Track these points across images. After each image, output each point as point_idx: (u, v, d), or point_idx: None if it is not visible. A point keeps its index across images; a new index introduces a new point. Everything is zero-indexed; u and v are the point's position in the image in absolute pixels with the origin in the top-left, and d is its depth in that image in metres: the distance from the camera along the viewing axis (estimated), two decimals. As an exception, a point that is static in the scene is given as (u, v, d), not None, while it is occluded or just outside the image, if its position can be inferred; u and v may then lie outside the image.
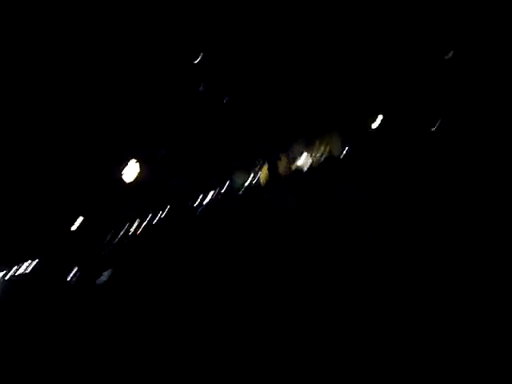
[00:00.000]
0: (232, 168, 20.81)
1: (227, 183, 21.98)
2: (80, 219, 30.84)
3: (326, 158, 17.98)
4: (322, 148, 18.16)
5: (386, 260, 6.05)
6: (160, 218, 32.18)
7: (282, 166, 18.64)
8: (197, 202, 26.32)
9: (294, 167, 18.32)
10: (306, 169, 18.11)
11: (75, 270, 20.89)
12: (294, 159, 18.92)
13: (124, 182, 22.65)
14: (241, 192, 20.67)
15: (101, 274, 18.82)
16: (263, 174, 18.98)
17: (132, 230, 36.91)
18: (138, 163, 22.50)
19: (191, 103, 19.61)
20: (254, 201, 18.53)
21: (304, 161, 18.63)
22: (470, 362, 3.52)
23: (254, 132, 18.91)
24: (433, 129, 14.39)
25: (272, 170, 17.86)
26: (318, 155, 18.29)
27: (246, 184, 20.49)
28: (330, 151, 17.98)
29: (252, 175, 20.10)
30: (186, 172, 22.22)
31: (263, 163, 18.94)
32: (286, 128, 18.00)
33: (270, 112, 17.85)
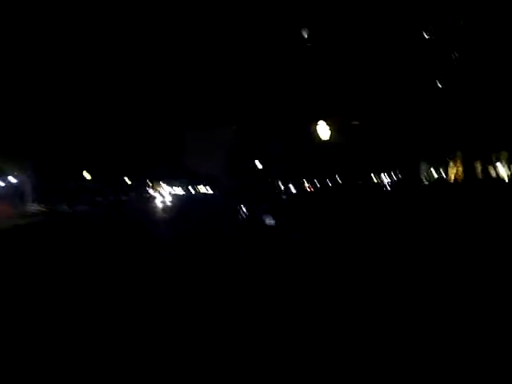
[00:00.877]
0: (421, 157, 20.26)
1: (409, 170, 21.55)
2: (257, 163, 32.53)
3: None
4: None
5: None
6: (330, 183, 32.53)
7: (478, 169, 17.77)
8: (376, 181, 26.19)
9: (493, 174, 17.25)
10: (507, 179, 16.95)
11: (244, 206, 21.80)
12: (494, 165, 17.80)
13: (318, 138, 23.16)
14: (427, 182, 20.11)
15: (267, 216, 19.52)
16: (453, 170, 18.22)
17: (305, 186, 37.91)
18: (330, 126, 22.84)
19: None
20: (440, 193, 17.97)
21: (505, 170, 17.43)
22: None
23: (456, 128, 18.15)
24: None
25: (467, 170, 17.08)
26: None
27: (434, 176, 19.86)
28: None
29: (441, 169, 19.45)
30: (374, 150, 22.14)
31: (456, 161, 18.20)
32: (490, 131, 16.92)
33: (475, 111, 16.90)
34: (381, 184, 30.79)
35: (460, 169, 18.26)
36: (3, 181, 45.59)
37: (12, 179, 43.58)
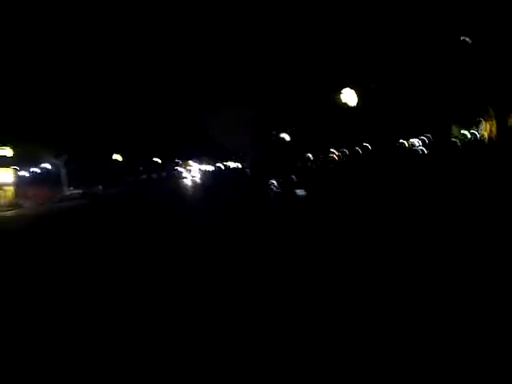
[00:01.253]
0: (452, 119, 19.76)
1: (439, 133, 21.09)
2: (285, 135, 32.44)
3: None
4: None
5: None
6: (353, 151, 32.19)
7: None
8: (401, 143, 25.79)
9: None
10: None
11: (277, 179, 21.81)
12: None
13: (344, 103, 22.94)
14: (459, 144, 19.62)
15: (299, 189, 19.43)
16: (487, 128, 17.70)
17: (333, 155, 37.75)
18: (354, 91, 22.51)
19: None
20: (477, 154, 17.53)
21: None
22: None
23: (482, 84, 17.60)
24: None
25: (501, 124, 16.55)
26: None
27: (468, 136, 19.30)
28: None
29: (471, 129, 18.95)
30: (398, 114, 21.76)
31: (488, 119, 17.68)
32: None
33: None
34: (413, 148, 30.21)
35: (493, 127, 17.80)
36: (40, 167, 47.03)
37: (48, 165, 44.88)
